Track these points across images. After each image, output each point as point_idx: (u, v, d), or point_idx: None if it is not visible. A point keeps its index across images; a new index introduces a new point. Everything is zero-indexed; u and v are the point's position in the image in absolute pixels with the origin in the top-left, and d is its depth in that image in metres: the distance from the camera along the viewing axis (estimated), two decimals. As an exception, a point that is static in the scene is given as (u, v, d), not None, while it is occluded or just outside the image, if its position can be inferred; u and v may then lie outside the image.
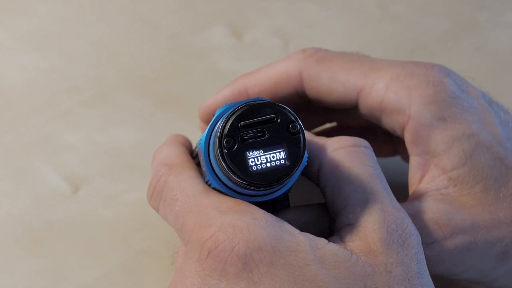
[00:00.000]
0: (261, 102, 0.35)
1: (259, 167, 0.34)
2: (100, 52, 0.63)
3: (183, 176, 0.39)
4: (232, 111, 0.35)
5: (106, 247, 0.49)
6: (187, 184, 0.38)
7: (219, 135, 0.34)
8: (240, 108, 0.35)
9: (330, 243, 0.35)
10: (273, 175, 0.34)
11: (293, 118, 0.35)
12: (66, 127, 0.57)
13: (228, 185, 0.36)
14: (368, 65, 0.43)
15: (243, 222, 0.34)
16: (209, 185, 0.38)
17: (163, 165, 0.40)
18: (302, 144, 0.35)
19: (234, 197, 0.37)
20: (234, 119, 0.35)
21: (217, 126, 0.36)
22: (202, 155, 0.37)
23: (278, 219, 0.35)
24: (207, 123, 0.44)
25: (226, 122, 0.35)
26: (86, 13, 0.66)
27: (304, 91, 0.45)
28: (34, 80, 0.61)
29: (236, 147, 0.34)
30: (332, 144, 0.39)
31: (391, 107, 0.42)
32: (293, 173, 0.35)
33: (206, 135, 0.37)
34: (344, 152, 0.38)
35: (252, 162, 0.34)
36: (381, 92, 0.42)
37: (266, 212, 0.35)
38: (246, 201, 0.36)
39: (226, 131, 0.34)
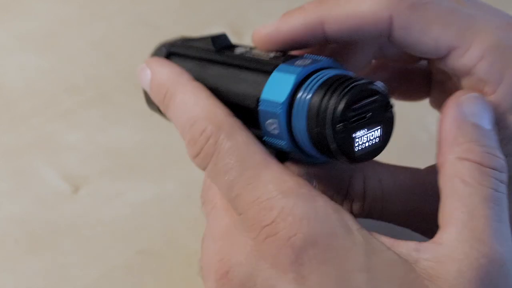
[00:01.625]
0: (367, 82, 0.35)
1: (361, 146, 0.35)
2: (100, 52, 0.63)
3: (236, 140, 0.36)
4: (343, 93, 0.34)
5: (106, 247, 0.49)
6: (244, 153, 0.36)
7: (332, 119, 0.34)
8: (351, 88, 0.34)
9: (391, 250, 0.33)
10: (370, 153, 0.35)
11: (389, 100, 0.35)
12: (66, 127, 0.57)
13: (310, 153, 0.36)
14: (466, 21, 0.39)
15: (303, 213, 0.33)
16: (266, 145, 0.37)
17: (209, 123, 0.37)
18: (393, 125, 0.36)
19: (301, 160, 0.37)
20: (346, 102, 0.34)
21: (322, 103, 0.35)
22: (279, 119, 0.36)
23: (338, 207, 0.34)
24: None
25: (337, 104, 0.34)
26: (86, 13, 0.66)
27: (389, 37, 0.39)
28: (34, 80, 0.61)
29: (345, 129, 0.34)
30: (460, 152, 0.36)
31: (479, 77, 0.38)
32: (382, 150, 0.36)
33: (287, 98, 0.36)
34: (469, 166, 0.35)
35: (356, 142, 0.35)
36: (475, 59, 0.38)
37: (327, 199, 0.34)
38: (311, 162, 0.37)
39: (339, 115, 0.34)
